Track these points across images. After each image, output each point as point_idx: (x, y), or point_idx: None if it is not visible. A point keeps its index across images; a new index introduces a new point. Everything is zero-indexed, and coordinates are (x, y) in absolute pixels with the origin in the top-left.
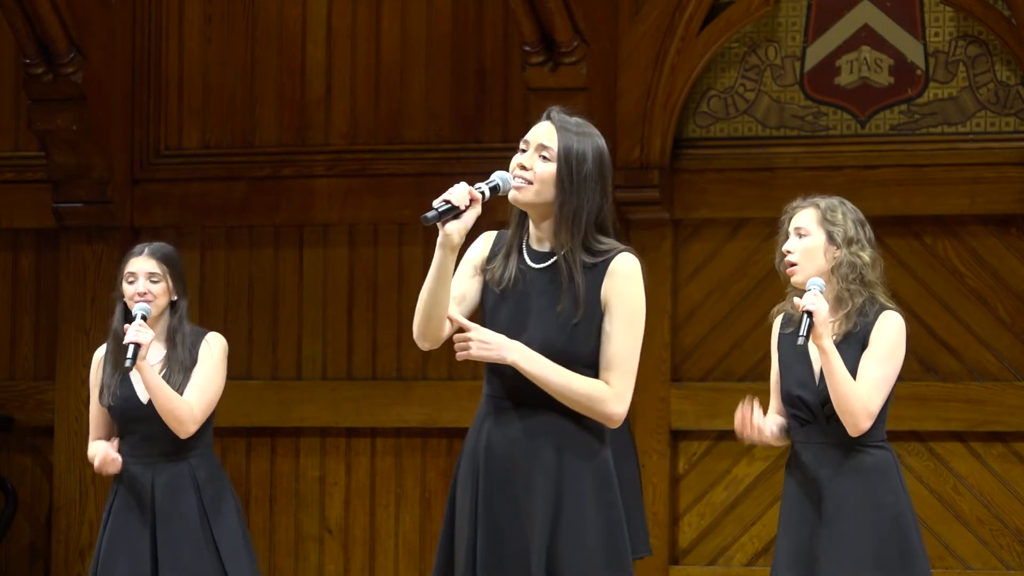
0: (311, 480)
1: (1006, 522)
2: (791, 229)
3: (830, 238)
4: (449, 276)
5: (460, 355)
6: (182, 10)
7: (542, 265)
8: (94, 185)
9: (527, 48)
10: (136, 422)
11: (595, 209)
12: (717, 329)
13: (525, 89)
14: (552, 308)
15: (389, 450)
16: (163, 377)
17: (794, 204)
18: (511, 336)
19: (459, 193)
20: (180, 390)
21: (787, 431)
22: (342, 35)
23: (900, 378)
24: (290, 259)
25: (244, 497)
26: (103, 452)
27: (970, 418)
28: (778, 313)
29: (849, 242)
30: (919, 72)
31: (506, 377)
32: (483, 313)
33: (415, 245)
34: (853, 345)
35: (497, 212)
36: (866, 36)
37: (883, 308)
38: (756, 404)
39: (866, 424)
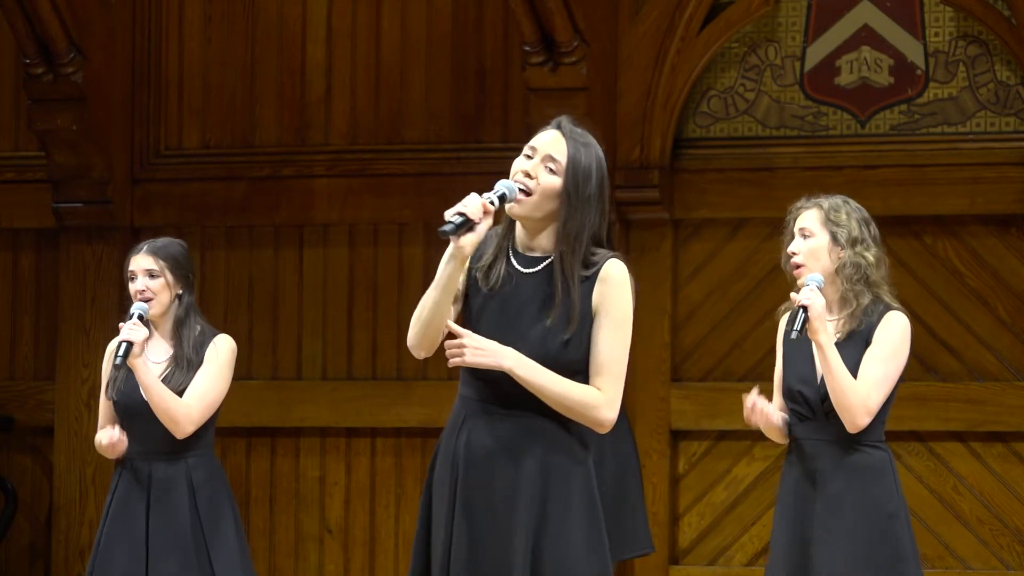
0: (311, 480)
1: (1006, 522)
2: (796, 230)
3: (834, 239)
4: (454, 288)
5: (453, 361)
6: (182, 10)
7: (532, 270)
8: (94, 185)
9: (527, 48)
10: (136, 418)
11: (595, 225)
12: (717, 329)
13: (525, 89)
14: (543, 316)
15: (389, 450)
16: (167, 375)
17: (798, 205)
18: (496, 339)
19: (474, 206)
20: (182, 389)
21: (788, 427)
22: (342, 35)
23: (900, 378)
24: (290, 259)
25: (244, 497)
26: (110, 433)
27: (970, 418)
28: (785, 311)
29: (853, 242)
30: (919, 72)
31: (488, 381)
32: (468, 311)
33: (415, 245)
34: (857, 344)
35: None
36: (866, 36)
37: (888, 308)
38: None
39: (864, 421)
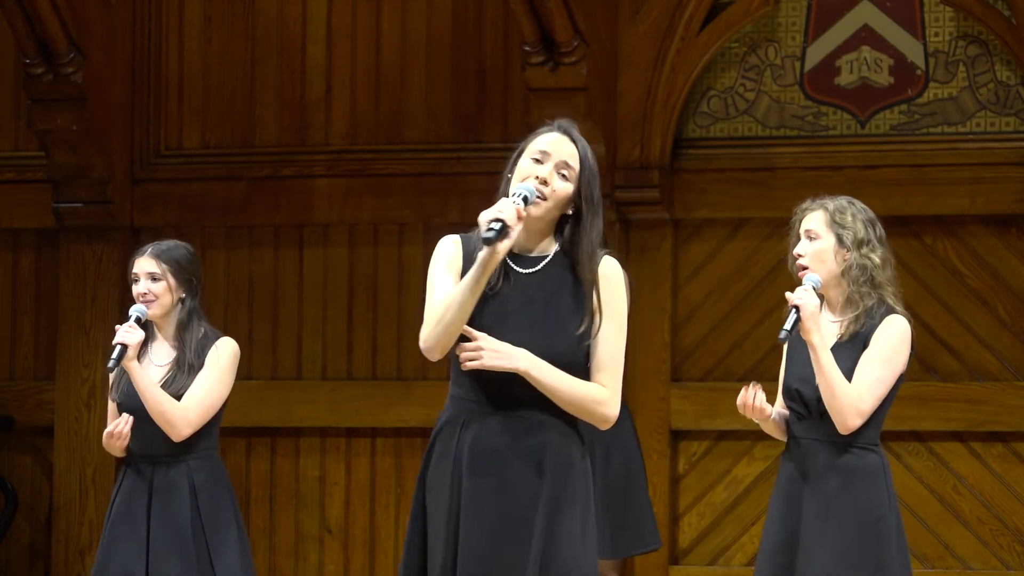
0: (311, 480)
1: (1006, 522)
2: (801, 232)
3: (840, 241)
4: (481, 292)
5: (470, 364)
6: (182, 10)
7: (531, 270)
8: (94, 185)
9: (527, 48)
10: (138, 420)
11: (594, 222)
12: (717, 329)
13: (525, 89)
14: (552, 313)
15: (389, 450)
16: (168, 378)
17: (804, 206)
18: (499, 338)
19: (510, 212)
20: (183, 392)
21: (787, 425)
22: (342, 35)
23: (900, 379)
24: (290, 259)
25: (244, 497)
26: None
27: (970, 418)
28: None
29: (859, 244)
30: (919, 72)
31: (491, 383)
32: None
33: (415, 245)
34: (857, 346)
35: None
36: (866, 36)
37: (890, 311)
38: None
39: (854, 423)
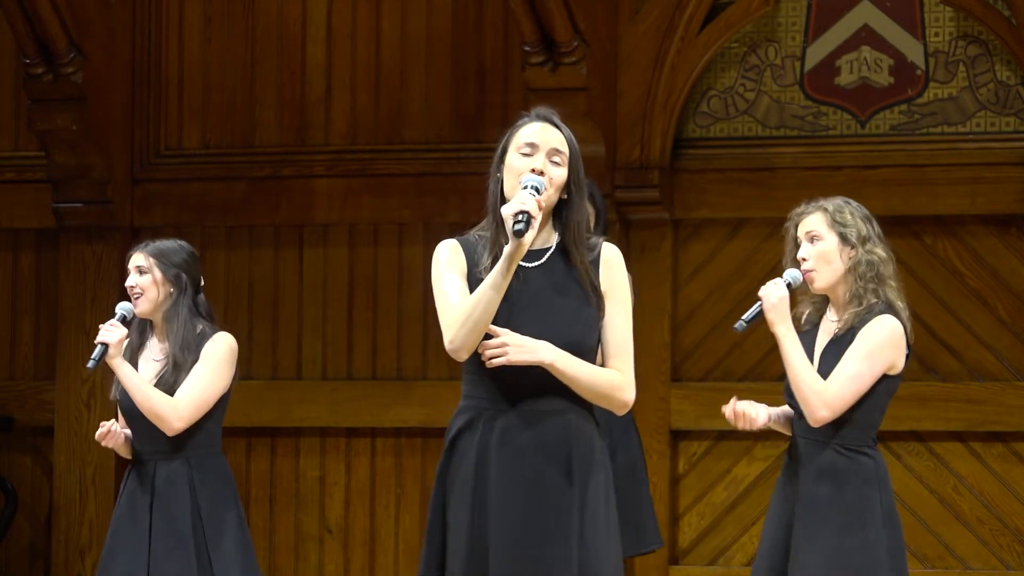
0: (311, 480)
1: (1006, 522)
2: (801, 235)
3: (843, 239)
4: (506, 287)
5: (496, 361)
6: (182, 10)
7: (537, 263)
8: (94, 185)
9: (527, 48)
10: (137, 418)
11: (584, 205)
12: (717, 329)
13: (525, 89)
14: (561, 302)
15: (389, 450)
16: (163, 374)
17: (799, 210)
18: (526, 334)
19: (532, 203)
20: (176, 388)
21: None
22: (342, 35)
23: (897, 379)
24: (290, 259)
25: (244, 497)
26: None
27: (970, 418)
28: (799, 316)
29: (863, 240)
30: (919, 72)
31: (508, 378)
32: None
33: (415, 245)
34: (846, 343)
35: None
36: (866, 36)
37: (885, 310)
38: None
39: (822, 414)
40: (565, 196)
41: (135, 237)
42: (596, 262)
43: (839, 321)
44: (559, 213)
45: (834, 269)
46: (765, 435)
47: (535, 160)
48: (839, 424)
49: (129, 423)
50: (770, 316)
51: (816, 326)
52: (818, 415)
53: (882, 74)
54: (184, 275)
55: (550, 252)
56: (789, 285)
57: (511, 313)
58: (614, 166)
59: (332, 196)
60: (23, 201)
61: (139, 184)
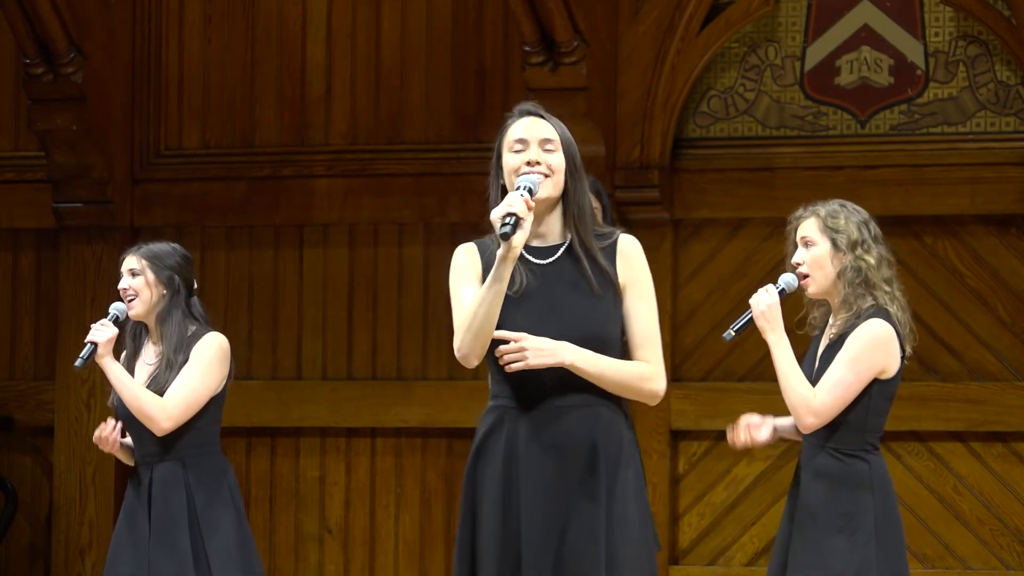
0: (311, 480)
1: (1006, 522)
2: (797, 239)
3: (835, 245)
4: (505, 290)
5: (515, 366)
6: (182, 10)
7: (553, 259)
8: (94, 185)
9: (527, 48)
10: (130, 422)
11: (585, 188)
12: (717, 329)
13: (525, 89)
14: (579, 296)
15: (389, 450)
16: (156, 375)
17: (797, 214)
18: (541, 332)
19: (520, 204)
20: (165, 389)
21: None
22: (342, 35)
23: (898, 381)
24: (290, 259)
25: (244, 497)
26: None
27: (970, 418)
28: (812, 320)
29: (853, 246)
30: (919, 72)
31: (530, 377)
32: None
33: (415, 245)
34: (840, 347)
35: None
36: (866, 36)
37: (875, 314)
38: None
39: (809, 421)
40: (565, 185)
41: (135, 237)
42: (613, 253)
43: (834, 327)
44: (567, 210)
45: (826, 274)
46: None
47: (529, 153)
48: (833, 428)
49: (128, 427)
50: (760, 323)
51: (823, 331)
52: (806, 422)
53: (882, 74)
54: (177, 277)
55: (563, 247)
56: (783, 291)
57: (526, 312)
58: (614, 166)
59: (332, 196)
60: (23, 201)
61: (139, 184)
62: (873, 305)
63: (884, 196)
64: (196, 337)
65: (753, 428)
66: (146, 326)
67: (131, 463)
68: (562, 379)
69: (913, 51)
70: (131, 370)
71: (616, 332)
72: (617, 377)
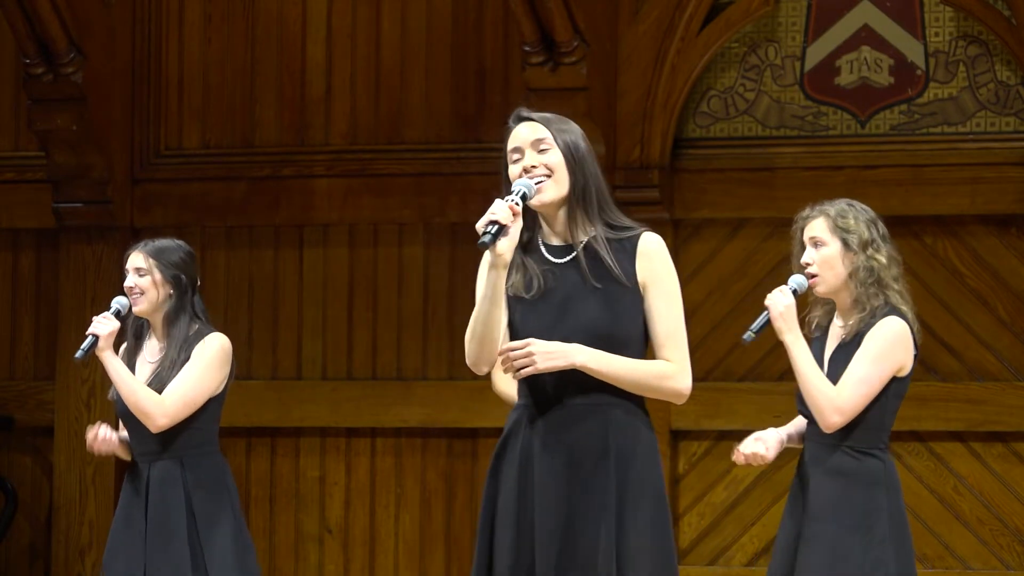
0: (311, 480)
1: (1006, 522)
2: (806, 239)
3: (846, 245)
4: (502, 296)
5: (525, 371)
6: (182, 10)
7: (568, 258)
8: (94, 185)
9: (527, 48)
10: (129, 419)
11: (598, 179)
12: (717, 329)
13: (525, 89)
14: (593, 295)
15: (389, 450)
16: (157, 373)
17: (804, 214)
18: (550, 334)
19: (503, 211)
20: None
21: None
22: (342, 35)
23: (903, 381)
24: (290, 259)
25: (244, 497)
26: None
27: (970, 418)
28: (811, 321)
29: (864, 246)
30: (919, 72)
31: (545, 379)
32: (513, 320)
33: (415, 245)
34: (854, 347)
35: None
36: (866, 36)
37: (890, 312)
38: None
39: (834, 420)
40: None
41: (135, 237)
42: (633, 251)
43: (844, 326)
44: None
45: (837, 274)
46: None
47: (525, 159)
48: (850, 427)
49: (124, 422)
50: (777, 325)
51: (826, 331)
52: (830, 421)
53: (882, 74)
54: (183, 276)
55: (581, 245)
56: (795, 292)
57: (541, 313)
58: (614, 166)
59: (332, 196)
60: (23, 201)
61: (139, 184)
62: (886, 303)
63: (884, 196)
64: (199, 336)
65: (759, 456)
66: (148, 322)
67: (128, 458)
68: (578, 380)
69: (913, 51)
70: (131, 365)
71: (633, 330)
72: (633, 377)
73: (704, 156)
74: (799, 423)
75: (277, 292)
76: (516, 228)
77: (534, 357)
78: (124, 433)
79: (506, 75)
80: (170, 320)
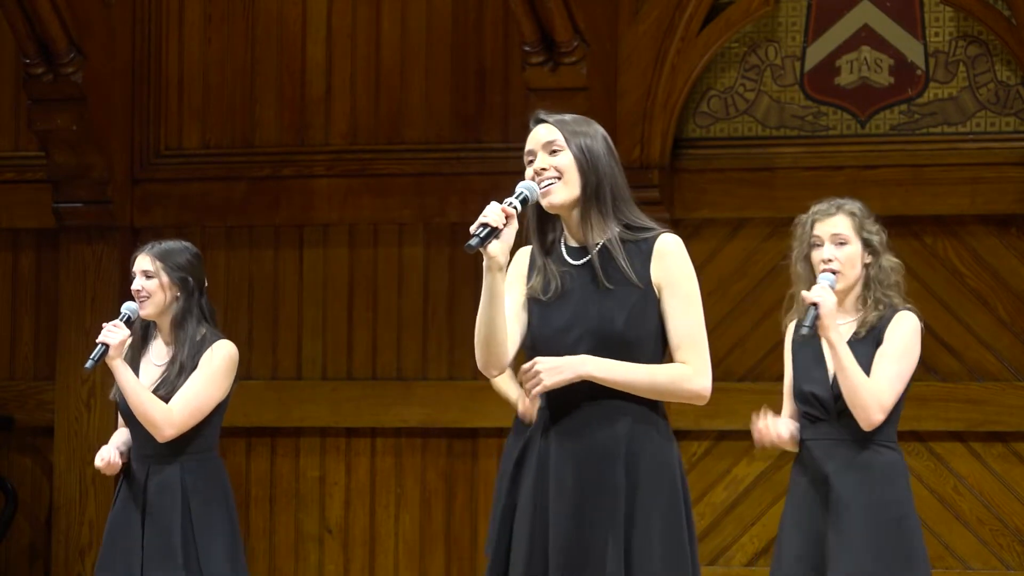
0: (311, 480)
1: (1006, 522)
2: (824, 235)
3: (867, 245)
4: (502, 298)
5: (536, 390)
6: (182, 10)
7: (584, 260)
8: (94, 185)
9: (527, 48)
10: (132, 420)
11: (615, 180)
12: (717, 329)
13: (525, 89)
14: (605, 297)
15: (389, 450)
16: (163, 378)
17: (820, 209)
18: (565, 336)
19: (494, 213)
20: (173, 394)
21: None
22: (342, 35)
23: (910, 379)
24: (290, 259)
25: (244, 497)
26: (102, 454)
27: (970, 418)
28: (792, 319)
29: (884, 248)
30: (919, 72)
31: (557, 391)
32: (530, 326)
33: (415, 245)
34: (869, 344)
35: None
36: (866, 36)
37: (901, 308)
38: (770, 413)
39: (878, 418)
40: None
41: (135, 237)
42: (649, 252)
43: (855, 322)
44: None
45: (856, 273)
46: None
47: (536, 162)
48: None
49: (127, 423)
50: (827, 321)
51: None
52: (875, 419)
53: (882, 74)
54: (190, 278)
55: (597, 247)
56: (832, 289)
57: (556, 317)
58: None
59: (332, 196)
60: (23, 201)
61: (139, 184)
62: (899, 301)
63: (884, 196)
64: (206, 342)
65: (780, 433)
66: (155, 323)
67: (125, 459)
68: (589, 387)
69: (913, 51)
70: (136, 363)
71: (645, 332)
72: (646, 382)
73: (704, 156)
74: (793, 424)
75: (277, 292)
76: (510, 231)
77: (541, 375)
78: (122, 437)
79: (506, 75)
80: (177, 323)
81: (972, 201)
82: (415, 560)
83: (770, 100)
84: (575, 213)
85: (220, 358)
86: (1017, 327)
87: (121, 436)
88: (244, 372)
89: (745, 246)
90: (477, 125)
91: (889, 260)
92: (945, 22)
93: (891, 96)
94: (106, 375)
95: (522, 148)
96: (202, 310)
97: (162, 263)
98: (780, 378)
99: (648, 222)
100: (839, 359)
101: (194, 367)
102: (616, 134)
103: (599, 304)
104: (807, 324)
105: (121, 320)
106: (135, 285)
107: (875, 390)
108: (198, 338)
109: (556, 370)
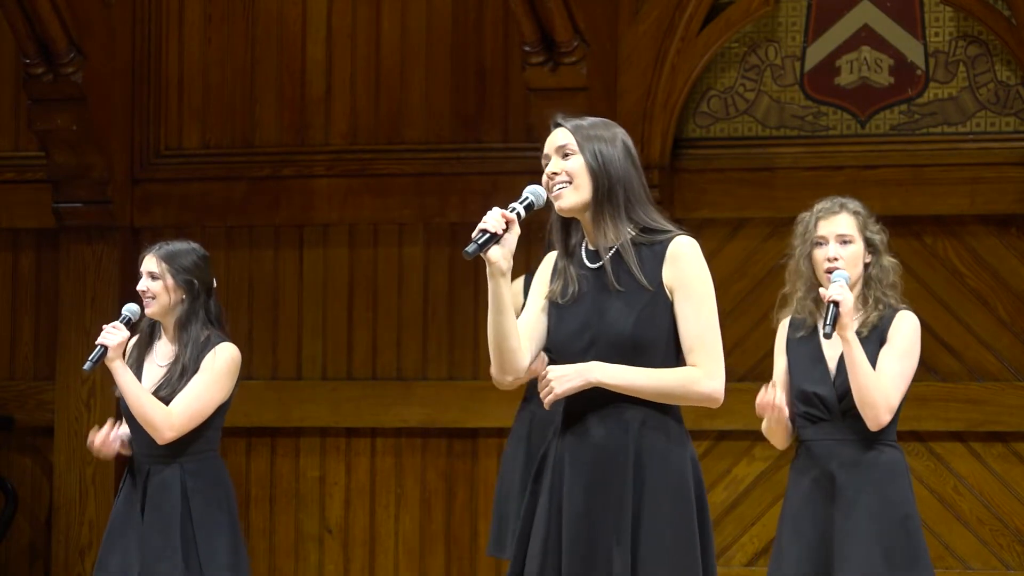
0: (311, 480)
1: (1006, 522)
2: (829, 233)
3: (869, 244)
4: (507, 303)
5: (549, 399)
6: (182, 10)
7: (599, 263)
8: (94, 185)
9: (527, 48)
10: (132, 420)
11: (629, 183)
12: None
13: (525, 89)
14: (616, 300)
15: (389, 450)
16: (165, 379)
17: (824, 207)
18: (579, 339)
19: (494, 219)
20: (174, 395)
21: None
22: (342, 35)
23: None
24: (290, 259)
25: (244, 497)
26: (97, 432)
27: (970, 418)
28: (784, 316)
29: (885, 248)
30: (919, 72)
31: (570, 396)
32: (548, 330)
33: (415, 245)
34: (872, 343)
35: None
36: (866, 36)
37: (901, 308)
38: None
39: (886, 418)
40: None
41: (135, 237)
42: (662, 255)
43: (856, 322)
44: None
45: (857, 272)
46: (765, 435)
47: (549, 165)
48: None
49: (128, 422)
50: (845, 320)
51: (813, 330)
52: (882, 419)
53: (882, 74)
54: (196, 281)
55: (611, 250)
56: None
57: (570, 320)
58: None
59: (332, 196)
60: (23, 201)
61: (139, 184)
62: (896, 301)
63: (884, 196)
64: (210, 345)
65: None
66: (160, 324)
67: (129, 453)
68: (600, 391)
69: (913, 51)
70: (140, 362)
71: (656, 335)
72: (656, 386)
73: (704, 156)
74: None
75: (277, 292)
76: (511, 237)
77: (551, 384)
78: (125, 429)
79: (506, 75)
80: (182, 324)
81: (972, 201)
82: (415, 560)
83: (770, 100)
84: (588, 216)
85: (222, 360)
86: (1017, 327)
87: (127, 429)
88: (244, 372)
89: (745, 246)
90: (477, 125)
91: (888, 260)
92: (945, 22)
93: (891, 96)
94: (107, 375)
95: (522, 148)
96: (208, 312)
97: (168, 265)
98: None
99: (665, 224)
100: (852, 358)
101: (196, 369)
102: None
103: (609, 307)
104: (828, 323)
105: (121, 321)
106: (140, 286)
107: (884, 390)
108: (201, 340)
109: (565, 378)
